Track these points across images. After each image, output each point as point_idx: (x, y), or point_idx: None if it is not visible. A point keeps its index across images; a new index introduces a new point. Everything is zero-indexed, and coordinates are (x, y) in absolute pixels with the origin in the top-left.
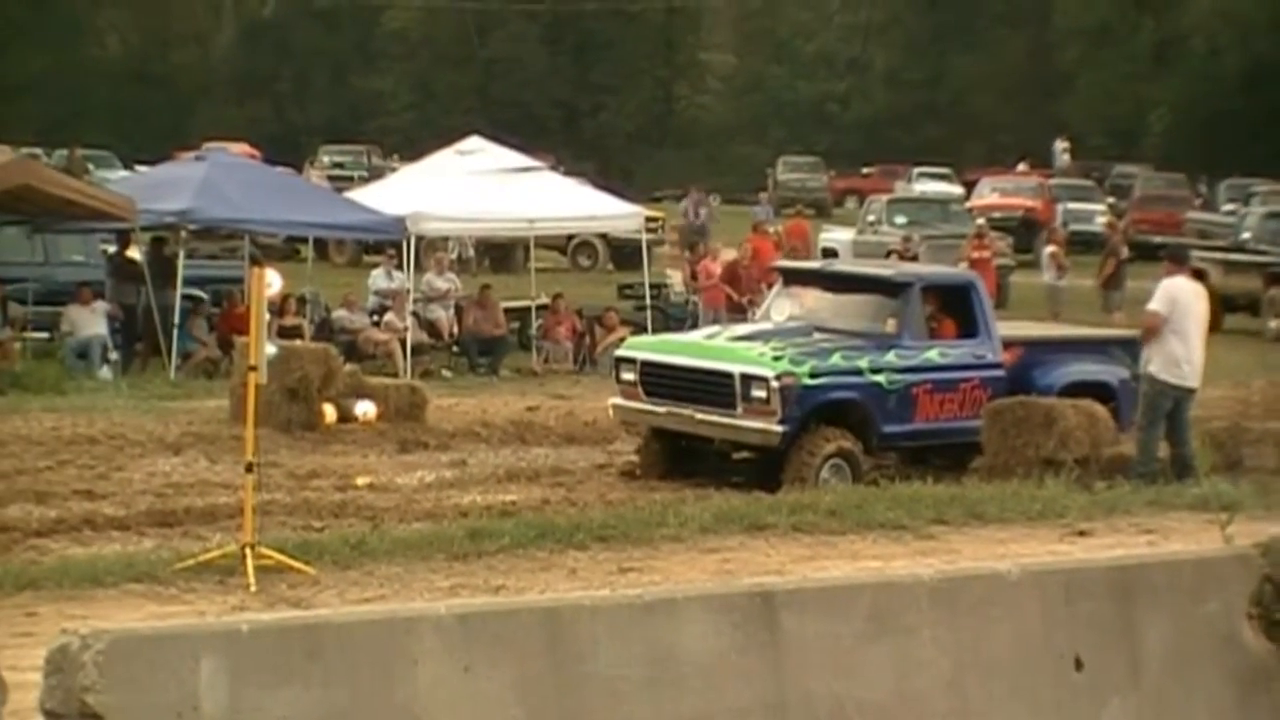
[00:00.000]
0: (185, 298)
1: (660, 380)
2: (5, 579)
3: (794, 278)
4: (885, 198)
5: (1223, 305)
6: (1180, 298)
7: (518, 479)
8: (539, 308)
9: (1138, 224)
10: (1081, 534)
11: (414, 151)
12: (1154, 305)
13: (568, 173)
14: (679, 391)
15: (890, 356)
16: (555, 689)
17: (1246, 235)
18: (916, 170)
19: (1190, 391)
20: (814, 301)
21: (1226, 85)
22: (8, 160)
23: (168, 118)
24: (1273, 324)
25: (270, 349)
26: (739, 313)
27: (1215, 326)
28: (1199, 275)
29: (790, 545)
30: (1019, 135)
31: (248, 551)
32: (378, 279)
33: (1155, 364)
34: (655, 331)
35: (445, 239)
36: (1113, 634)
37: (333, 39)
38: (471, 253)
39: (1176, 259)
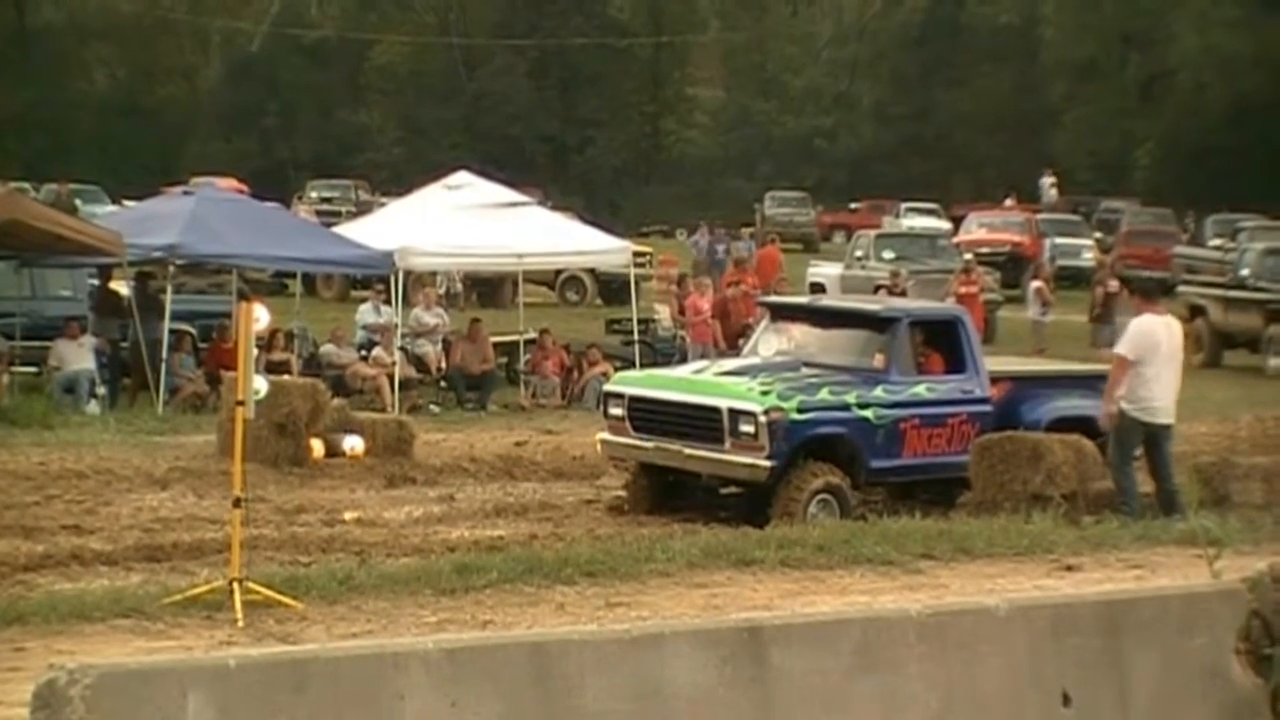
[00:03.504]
0: (170, 332)
1: (648, 415)
2: None
3: (782, 313)
4: (873, 233)
5: (1222, 342)
6: (1148, 335)
7: (505, 514)
8: (527, 342)
9: (1125, 259)
10: (1069, 569)
11: (402, 186)
12: (1120, 348)
13: (555, 207)
14: (667, 426)
15: (878, 391)
16: None
17: (1245, 272)
18: (905, 205)
19: (1163, 427)
20: (802, 336)
21: (1213, 121)
22: None
23: (155, 153)
24: (1273, 361)
25: (261, 385)
26: (731, 347)
27: (1214, 362)
28: (1196, 311)
29: (778, 580)
30: (1006, 170)
31: (235, 586)
32: (366, 314)
33: (1124, 399)
34: (643, 366)
35: (433, 274)
36: (1101, 669)
37: (320, 74)
38: (460, 287)
39: (1144, 295)
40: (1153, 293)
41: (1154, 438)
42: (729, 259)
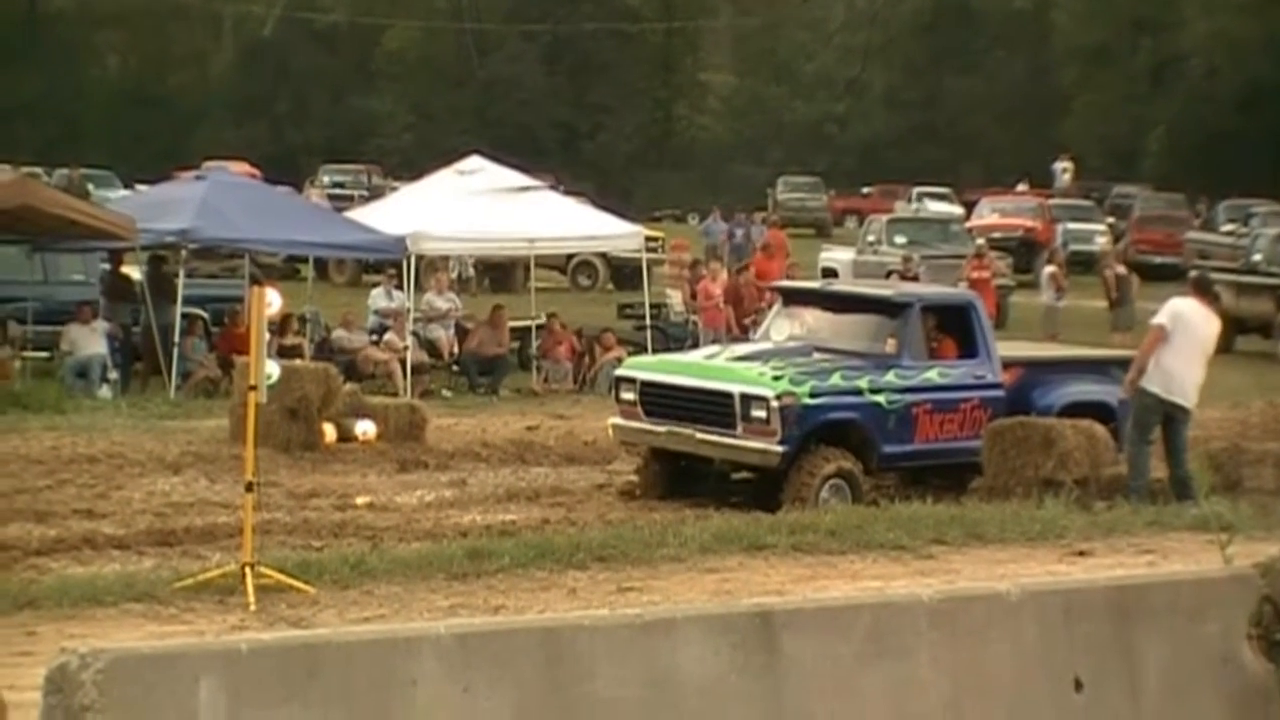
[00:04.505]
0: (182, 317)
1: (660, 400)
2: (5, 598)
3: (794, 297)
4: (885, 218)
5: (1234, 327)
6: (1184, 315)
7: (517, 499)
8: (539, 327)
9: (1137, 244)
10: (1081, 554)
11: (413, 171)
12: (1158, 318)
13: (567, 192)
14: (679, 411)
15: (890, 376)
16: (554, 709)
17: (1258, 257)
18: (917, 190)
19: (1181, 409)
20: (814, 321)
21: (1224, 106)
22: (8, 180)
23: (167, 138)
24: None
25: (273, 370)
26: (742, 333)
27: (1225, 348)
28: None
29: (790, 565)
30: (1017, 156)
31: (247, 571)
32: (378, 298)
33: (1146, 375)
34: (655, 351)
35: (446, 258)
36: (1112, 655)
37: (332, 59)
38: (472, 272)
39: (1198, 287)
40: (1207, 288)
41: (1172, 420)
42: (749, 244)
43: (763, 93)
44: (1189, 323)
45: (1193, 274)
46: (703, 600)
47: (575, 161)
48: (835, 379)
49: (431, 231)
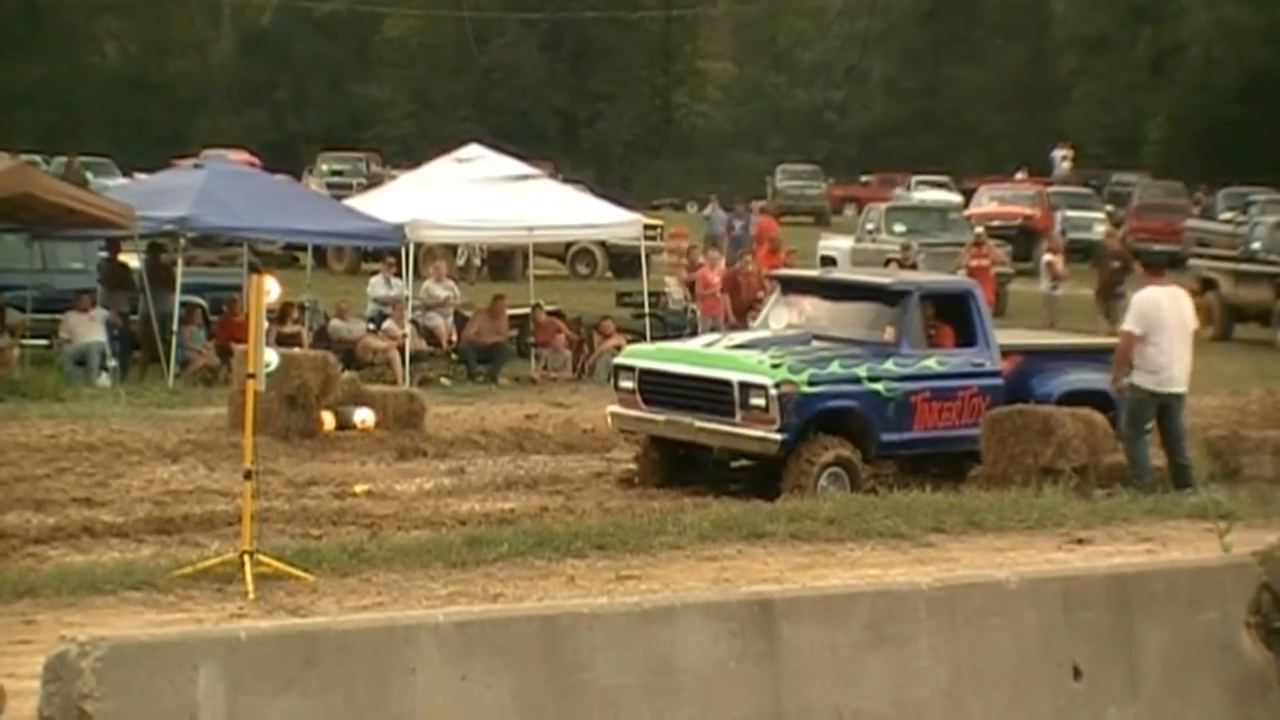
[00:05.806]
0: (180, 305)
1: (659, 388)
2: (4, 586)
3: (792, 286)
4: (884, 206)
5: (1233, 315)
6: (1152, 307)
7: (516, 487)
8: None
9: (1136, 232)
10: (1080, 542)
11: (412, 159)
12: (1126, 324)
13: (566, 180)
14: (678, 400)
15: (889, 365)
16: (553, 697)
17: (1257, 245)
18: (915, 178)
19: (1175, 396)
20: (813, 309)
21: (1224, 95)
22: (7, 168)
23: (166, 126)
24: None
25: (272, 358)
26: (740, 321)
27: (1224, 335)
28: (1207, 285)
29: (789, 553)
30: (1017, 145)
31: (246, 559)
32: (376, 287)
33: (1135, 371)
34: (654, 340)
35: (453, 246)
36: (1111, 643)
37: (331, 47)
38: (479, 261)
39: (1151, 269)
40: (1158, 266)
41: (1167, 409)
42: (747, 235)
43: (762, 80)
44: (1160, 312)
45: (1144, 258)
46: (702, 588)
47: (574, 149)
48: (834, 367)
49: (430, 219)
